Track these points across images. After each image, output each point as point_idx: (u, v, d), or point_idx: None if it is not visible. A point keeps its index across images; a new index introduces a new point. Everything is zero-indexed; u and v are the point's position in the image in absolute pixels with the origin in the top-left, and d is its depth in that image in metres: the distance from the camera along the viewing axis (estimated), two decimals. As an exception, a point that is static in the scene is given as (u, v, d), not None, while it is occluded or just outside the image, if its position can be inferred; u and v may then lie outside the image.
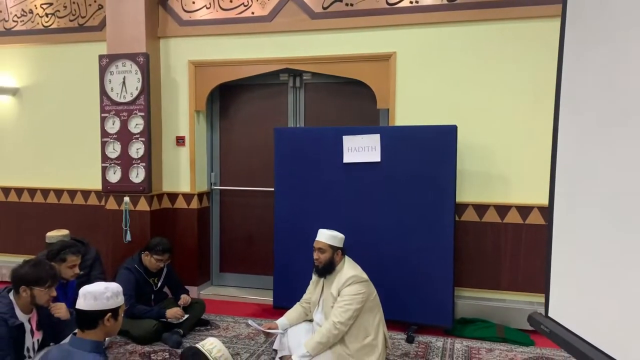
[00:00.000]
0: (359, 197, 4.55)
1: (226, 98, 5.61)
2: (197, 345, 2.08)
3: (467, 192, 4.70)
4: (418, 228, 4.42)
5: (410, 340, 4.26)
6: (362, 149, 4.56)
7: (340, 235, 3.73)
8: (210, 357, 2.01)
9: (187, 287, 5.22)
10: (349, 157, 4.60)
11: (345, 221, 4.46)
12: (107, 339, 2.92)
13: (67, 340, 2.58)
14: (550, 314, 2.53)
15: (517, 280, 4.66)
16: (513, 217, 4.63)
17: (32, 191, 5.96)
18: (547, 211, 2.62)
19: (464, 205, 4.71)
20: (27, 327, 3.17)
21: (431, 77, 4.74)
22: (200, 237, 5.51)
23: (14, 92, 5.96)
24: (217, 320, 4.77)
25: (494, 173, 4.65)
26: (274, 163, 4.84)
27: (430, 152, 4.38)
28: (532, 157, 4.51)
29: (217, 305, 5.21)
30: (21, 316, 3.12)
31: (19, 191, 6.01)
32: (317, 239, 3.73)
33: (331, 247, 3.66)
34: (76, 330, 2.37)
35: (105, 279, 4.63)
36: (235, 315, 4.89)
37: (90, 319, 2.33)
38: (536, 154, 4.47)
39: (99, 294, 2.34)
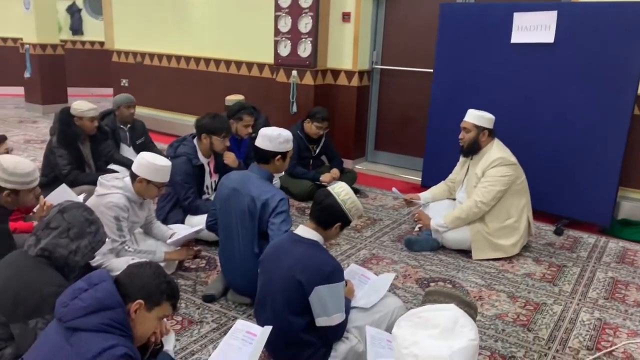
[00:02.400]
0: (525, 81, 4.27)
1: (394, -27, 5.46)
2: (328, 187, 2.33)
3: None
4: (587, 118, 4.06)
5: (558, 232, 4.13)
6: (534, 27, 4.19)
7: (489, 116, 3.63)
8: (339, 199, 2.25)
9: (343, 159, 5.62)
10: (518, 37, 4.27)
11: (505, 106, 4.29)
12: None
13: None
14: None
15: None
16: None
17: (217, 61, 6.67)
18: None
19: (648, 97, 4.16)
20: (207, 169, 3.79)
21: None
22: (358, 115, 5.74)
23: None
24: (367, 191, 5.10)
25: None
26: (436, 42, 4.71)
27: (615, 34, 3.87)
28: None
29: (368, 178, 5.53)
30: (202, 159, 3.73)
31: (207, 61, 6.77)
32: (464, 118, 3.69)
33: (476, 127, 3.60)
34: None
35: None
36: (383, 188, 5.16)
37: (264, 155, 2.79)
38: None
39: (274, 138, 2.75)
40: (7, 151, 3.31)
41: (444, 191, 4.05)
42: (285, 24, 5.55)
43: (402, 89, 5.66)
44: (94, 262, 3.02)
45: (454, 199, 3.94)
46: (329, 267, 2.18)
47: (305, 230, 2.30)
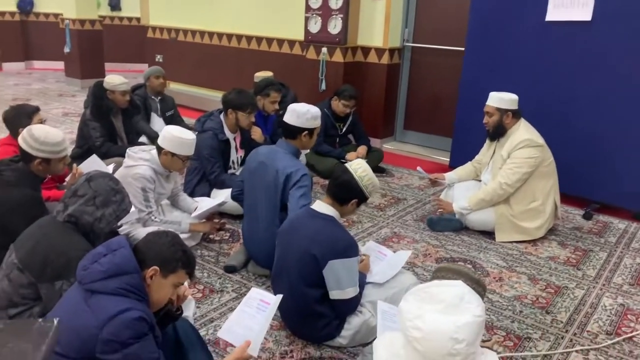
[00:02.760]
0: (560, 61, 4.14)
1: (429, -52, 5.34)
2: (345, 164, 2.34)
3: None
4: (624, 99, 3.92)
5: (587, 216, 4.04)
6: (570, 4, 4.04)
7: (510, 97, 3.56)
8: (355, 176, 2.27)
9: (370, 138, 5.60)
10: (553, 14, 4.13)
11: (539, 87, 4.20)
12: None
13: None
14: None
15: None
16: None
17: (249, 38, 6.70)
18: None
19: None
20: (232, 144, 3.85)
21: None
22: (388, 93, 5.69)
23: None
24: (393, 170, 5.08)
25: None
26: (469, 19, 4.61)
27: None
28: None
29: (395, 157, 5.51)
30: (228, 134, 3.79)
31: (239, 37, 6.80)
32: (486, 102, 3.63)
33: (499, 109, 3.55)
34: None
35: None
36: (410, 168, 5.13)
37: (292, 131, 2.83)
38: None
39: (302, 114, 2.79)
40: (41, 122, 3.43)
41: (470, 172, 4.01)
42: (316, 1, 5.52)
43: (434, 67, 5.58)
44: (122, 231, 3.15)
45: (480, 180, 3.90)
46: (343, 241, 2.22)
47: (321, 206, 2.33)
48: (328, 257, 2.17)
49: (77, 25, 8.54)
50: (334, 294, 2.22)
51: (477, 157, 4.02)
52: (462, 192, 3.84)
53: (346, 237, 2.27)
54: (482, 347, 1.50)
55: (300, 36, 5.86)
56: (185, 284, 1.96)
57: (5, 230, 2.33)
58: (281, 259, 2.38)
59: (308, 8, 5.59)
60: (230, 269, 3.03)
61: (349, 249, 2.22)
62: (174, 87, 7.75)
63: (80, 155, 4.14)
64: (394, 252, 2.73)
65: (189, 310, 2.49)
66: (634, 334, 2.60)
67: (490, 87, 4.12)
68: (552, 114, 4.15)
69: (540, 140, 3.53)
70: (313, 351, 2.36)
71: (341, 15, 5.38)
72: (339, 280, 2.20)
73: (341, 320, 2.31)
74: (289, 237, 2.33)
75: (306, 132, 2.83)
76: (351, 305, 2.27)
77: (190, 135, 3.09)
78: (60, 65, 9.29)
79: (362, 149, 4.88)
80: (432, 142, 5.74)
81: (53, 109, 7.00)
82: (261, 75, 4.98)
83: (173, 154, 3.05)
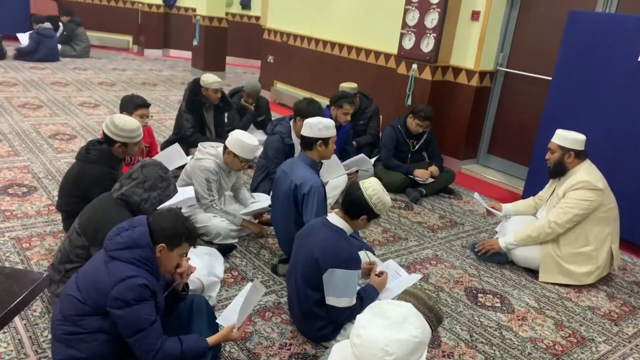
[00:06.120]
0: (648, 103, 3.90)
1: (534, -27, 5.22)
2: (359, 182, 2.52)
3: None
4: None
5: (655, 273, 3.77)
6: (667, 46, 3.79)
7: (575, 137, 3.45)
8: (365, 194, 2.44)
9: (449, 158, 5.63)
10: (648, 54, 3.89)
11: (621, 127, 4.00)
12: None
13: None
14: None
15: None
16: None
17: (349, 48, 6.98)
18: None
19: None
20: (297, 148, 4.15)
21: None
22: (473, 115, 5.65)
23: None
24: (463, 193, 5.07)
25: None
26: (560, 50, 4.47)
27: None
28: None
29: (472, 180, 5.48)
30: (294, 139, 4.10)
31: (341, 47, 7.12)
32: (551, 139, 3.56)
33: (561, 147, 3.46)
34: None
35: (378, 131, 5.42)
36: (482, 194, 5.06)
37: (308, 142, 3.10)
38: None
39: (314, 125, 3.03)
40: (143, 116, 3.95)
41: (530, 207, 3.93)
42: (413, 18, 5.64)
43: (525, 94, 5.44)
44: (185, 213, 3.61)
45: (537, 217, 3.81)
46: (345, 253, 2.41)
47: (334, 218, 2.54)
48: (329, 264, 2.38)
49: (206, 22, 9.45)
50: (330, 300, 2.42)
51: (539, 193, 3.93)
52: (517, 226, 3.78)
53: (349, 249, 2.45)
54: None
55: (396, 51, 6.02)
56: (193, 264, 2.30)
57: (86, 199, 2.84)
58: (293, 259, 2.63)
59: (404, 25, 5.73)
60: (275, 269, 3.30)
61: (350, 261, 2.41)
62: (280, 87, 8.30)
63: (175, 141, 4.75)
64: (429, 274, 2.85)
65: (214, 291, 2.85)
66: (648, 401, 2.48)
67: (572, 121, 4.01)
68: (634, 157, 3.92)
69: (599, 184, 3.39)
70: (310, 349, 2.58)
71: (434, 35, 5.45)
72: (335, 288, 2.40)
73: (337, 325, 2.51)
74: (302, 240, 2.58)
75: (320, 141, 3.07)
76: (345, 314, 2.45)
77: (253, 142, 3.43)
78: (190, 55, 10.32)
79: (434, 169, 4.92)
80: (513, 169, 5.60)
81: (172, 96, 7.86)
82: (346, 86, 5.23)
83: (234, 155, 3.43)
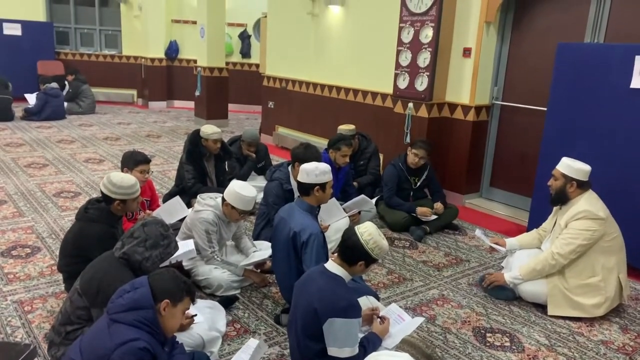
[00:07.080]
0: (644, 130, 3.91)
1: (521, 8, 5.33)
2: (355, 227, 2.50)
3: None
4: None
5: (668, 301, 3.68)
6: (658, 72, 3.82)
7: (579, 166, 3.44)
8: (361, 239, 2.43)
9: (452, 193, 5.62)
10: (639, 82, 3.92)
11: (618, 155, 3.99)
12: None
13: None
14: None
15: None
16: None
17: (347, 90, 7.09)
18: None
19: None
20: (296, 193, 4.17)
21: None
22: (473, 150, 5.67)
23: (342, 2, 6.99)
24: (468, 228, 5.03)
25: None
26: (552, 81, 4.51)
27: None
28: None
29: (476, 215, 5.44)
30: (293, 184, 4.12)
31: (339, 89, 7.23)
32: (556, 166, 3.55)
33: (564, 176, 3.44)
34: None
35: (379, 171, 5.44)
36: (487, 228, 5.03)
37: (305, 188, 3.10)
38: None
39: (310, 172, 3.04)
40: (144, 172, 4.00)
41: (534, 239, 3.89)
42: (405, 58, 5.74)
43: (522, 126, 5.46)
44: (186, 266, 3.61)
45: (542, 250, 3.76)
46: (344, 301, 2.38)
47: (332, 265, 2.52)
48: (328, 314, 2.35)
49: (207, 72, 9.68)
50: (332, 351, 2.38)
51: (543, 225, 3.90)
52: (522, 260, 3.73)
53: (349, 297, 2.42)
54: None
55: (391, 91, 6.11)
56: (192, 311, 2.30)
57: (86, 258, 2.85)
58: (293, 309, 2.60)
59: (398, 65, 5.83)
60: (277, 319, 3.26)
61: (350, 309, 2.38)
62: (282, 131, 8.40)
63: (176, 192, 4.80)
64: (435, 315, 2.80)
65: (215, 347, 2.82)
66: None
67: (570, 150, 4.00)
68: (633, 184, 3.90)
69: (601, 213, 3.35)
70: (315, 401, 2.52)
71: (427, 73, 5.54)
72: (336, 338, 2.35)
73: (341, 375, 2.45)
74: (301, 290, 2.55)
75: (318, 187, 3.06)
76: (347, 364, 2.40)
77: (250, 194, 3.44)
78: (193, 104, 10.53)
79: (439, 206, 4.89)
80: (516, 201, 5.57)
81: (175, 147, 7.98)
82: (344, 128, 5.30)
83: (232, 207, 3.45)
